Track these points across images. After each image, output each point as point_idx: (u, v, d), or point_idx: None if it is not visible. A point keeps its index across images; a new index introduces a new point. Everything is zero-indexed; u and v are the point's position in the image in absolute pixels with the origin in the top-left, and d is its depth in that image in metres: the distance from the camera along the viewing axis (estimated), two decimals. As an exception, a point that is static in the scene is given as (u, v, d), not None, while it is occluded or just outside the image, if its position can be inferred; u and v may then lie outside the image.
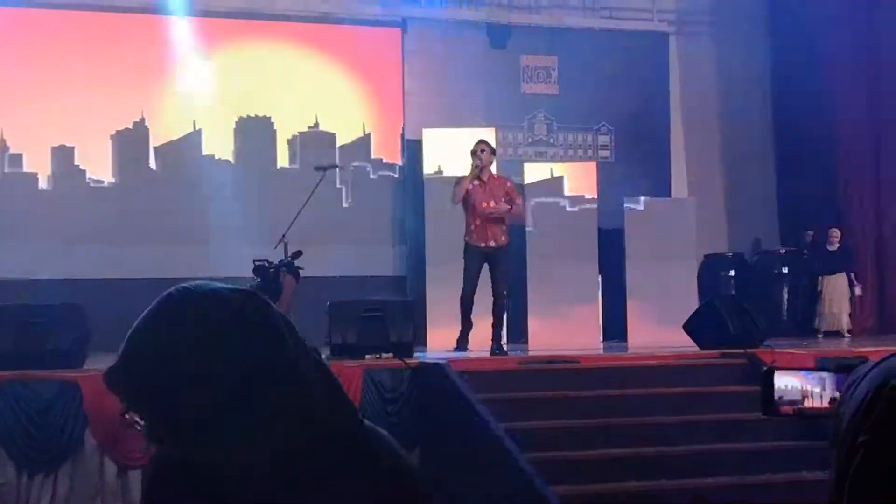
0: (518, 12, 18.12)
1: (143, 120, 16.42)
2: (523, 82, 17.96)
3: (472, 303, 13.29)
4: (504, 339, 13.58)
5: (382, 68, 17.40)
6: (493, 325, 13.31)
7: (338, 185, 16.81)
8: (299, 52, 17.10)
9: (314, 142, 17.02)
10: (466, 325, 13.41)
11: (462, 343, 13.44)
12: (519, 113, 17.88)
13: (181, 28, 16.50)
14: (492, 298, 13.30)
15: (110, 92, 16.19)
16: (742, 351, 12.53)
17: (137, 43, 16.33)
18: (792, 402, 2.61)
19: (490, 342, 13.17)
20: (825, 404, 2.58)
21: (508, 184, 13.59)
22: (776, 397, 2.60)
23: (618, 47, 18.06)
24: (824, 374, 2.61)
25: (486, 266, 13.32)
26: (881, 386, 1.99)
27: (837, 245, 17.67)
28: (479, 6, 17.90)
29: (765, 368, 2.68)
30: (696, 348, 13.26)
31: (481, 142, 13.52)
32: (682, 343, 13.57)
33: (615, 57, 17.97)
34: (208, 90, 16.60)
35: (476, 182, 13.25)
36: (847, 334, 17.37)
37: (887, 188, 18.17)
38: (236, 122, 16.83)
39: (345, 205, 16.95)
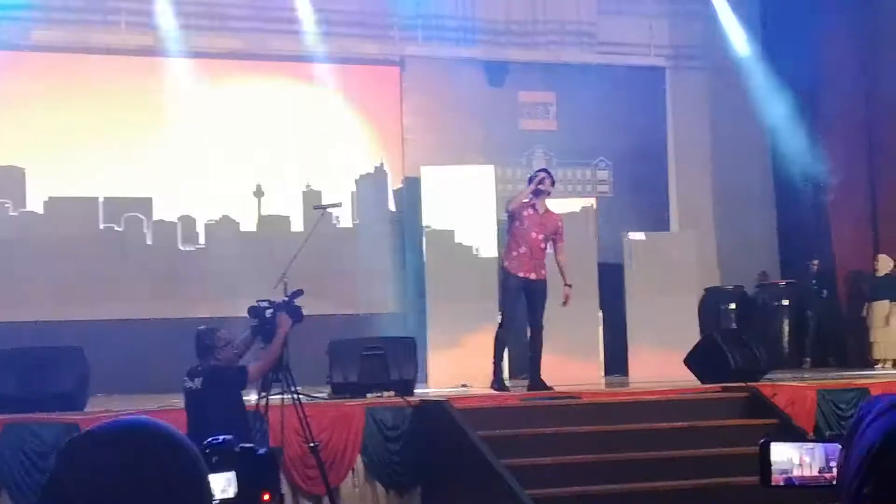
0: (515, 49, 18.17)
1: (138, 161, 16.43)
2: (521, 119, 18.01)
3: (507, 340, 12.98)
4: (506, 373, 13.53)
5: (381, 106, 17.45)
6: (531, 360, 13.10)
7: (337, 224, 16.81)
8: (297, 92, 17.14)
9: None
10: (500, 365, 13.00)
11: (500, 384, 12.94)
12: (517, 149, 17.91)
13: (176, 69, 16.55)
14: (512, 330, 13.14)
15: (107, 134, 16.22)
16: (743, 385, 12.54)
17: (133, 84, 16.35)
18: (783, 472, 2.65)
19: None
20: (814, 473, 2.62)
21: (560, 223, 13.23)
22: (772, 468, 2.65)
23: (615, 82, 18.11)
24: (815, 445, 2.65)
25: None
26: (892, 435, 1.98)
27: (887, 272, 17.62)
28: (477, 44, 17.96)
29: (761, 441, 2.72)
30: (697, 382, 13.26)
31: (544, 171, 13.31)
32: (684, 377, 13.57)
33: (613, 92, 18.01)
34: (204, 130, 16.62)
35: (531, 210, 13.00)
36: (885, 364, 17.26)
37: (884, 214, 18.19)
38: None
39: (344, 243, 16.94)
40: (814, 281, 18.06)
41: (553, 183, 13.32)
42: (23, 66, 16.20)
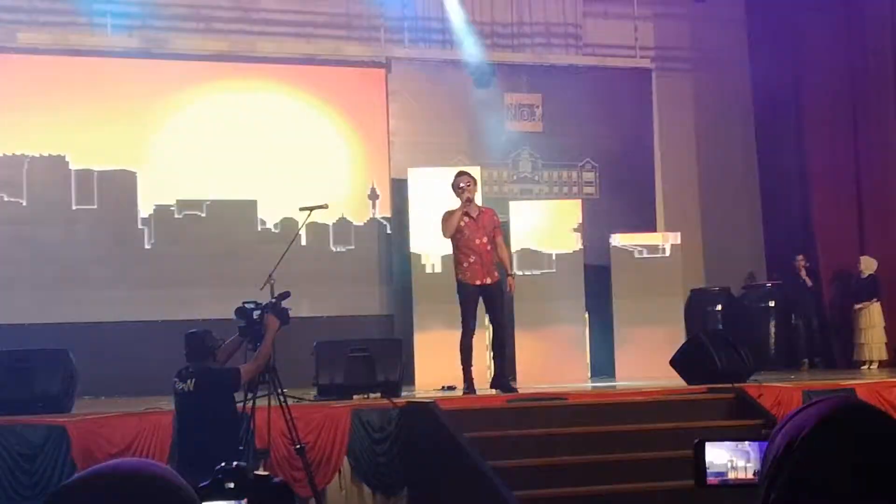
0: (502, 51, 18.19)
1: (128, 163, 16.41)
2: (508, 120, 18.02)
3: (472, 347, 12.97)
4: (488, 375, 13.54)
5: (367, 109, 17.44)
6: (495, 358, 13.15)
7: (323, 225, 16.80)
8: (283, 94, 17.13)
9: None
10: (470, 368, 13.01)
11: (470, 387, 12.96)
12: (503, 151, 17.92)
13: (161, 72, 16.56)
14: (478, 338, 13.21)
15: (96, 137, 16.20)
16: (730, 386, 12.56)
17: (119, 87, 16.35)
18: (718, 474, 2.67)
19: (486, 380, 13.11)
20: (749, 476, 2.63)
21: (495, 217, 13.29)
22: (707, 469, 2.67)
23: (601, 84, 18.14)
24: (750, 446, 2.66)
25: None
26: (792, 441, 2.01)
27: (871, 273, 17.66)
28: (463, 46, 17.96)
29: (696, 440, 2.74)
30: (683, 383, 13.27)
31: (463, 174, 13.22)
32: (671, 378, 13.60)
33: (599, 94, 18.04)
34: (189, 132, 16.62)
35: (466, 218, 13.02)
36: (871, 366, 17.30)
37: (870, 217, 18.23)
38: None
39: (331, 244, 16.95)
40: (804, 279, 18.01)
41: (475, 182, 13.30)
42: (8, 68, 16.17)
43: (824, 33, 18.18)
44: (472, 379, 12.99)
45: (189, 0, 16.88)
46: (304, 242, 16.12)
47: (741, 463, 2.66)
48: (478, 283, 12.97)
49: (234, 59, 17.07)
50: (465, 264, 13.02)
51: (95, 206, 16.26)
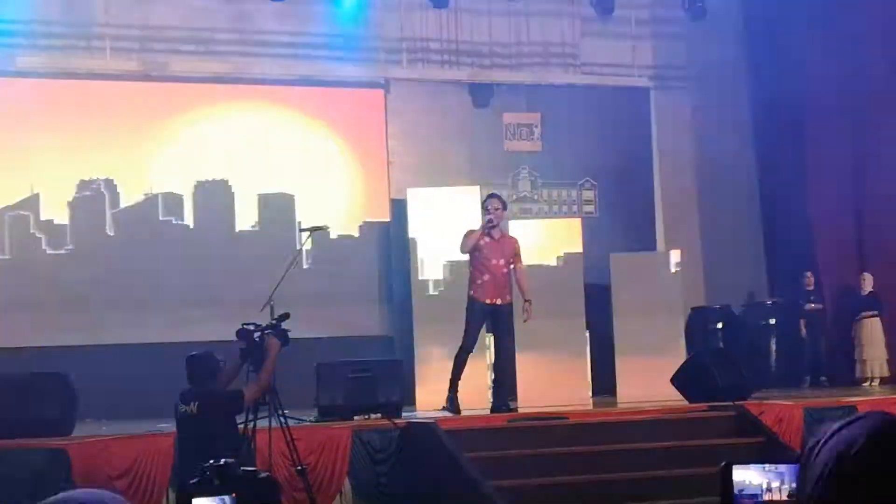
0: (500, 71, 18.22)
1: (121, 184, 16.43)
2: (506, 140, 18.04)
3: (466, 362, 13.01)
4: (489, 395, 13.54)
5: (365, 129, 17.46)
6: (495, 382, 13.20)
7: (323, 246, 16.80)
8: (282, 115, 17.16)
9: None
10: (457, 385, 13.01)
11: (454, 405, 12.92)
12: (503, 170, 17.94)
13: (159, 94, 16.60)
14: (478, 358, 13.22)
15: (89, 159, 16.23)
16: (730, 403, 12.55)
17: (117, 110, 16.37)
18: (752, 497, 2.65)
19: (487, 401, 13.10)
20: (783, 497, 2.62)
21: (517, 245, 13.37)
22: (736, 491, 2.65)
23: (599, 103, 18.16)
24: (783, 467, 2.65)
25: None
26: (844, 452, 2.02)
27: (870, 289, 17.66)
28: (461, 66, 18.01)
29: (722, 464, 2.73)
30: (684, 401, 13.26)
31: (494, 197, 13.40)
32: (672, 396, 13.58)
33: (597, 112, 18.06)
34: (187, 154, 16.64)
35: (488, 238, 13.11)
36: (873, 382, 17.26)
37: (870, 233, 18.24)
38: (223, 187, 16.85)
39: (331, 266, 16.93)
40: (811, 298, 17.96)
41: (505, 206, 13.50)
42: (7, 91, 16.19)
43: (823, 50, 18.18)
44: (457, 396, 12.98)
45: (187, 23, 16.89)
46: (304, 264, 16.13)
47: (775, 484, 2.65)
48: (488, 301, 13.05)
49: (232, 81, 17.11)
50: (479, 281, 13.12)
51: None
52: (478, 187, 15.96)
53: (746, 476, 2.65)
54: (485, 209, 13.22)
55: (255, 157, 16.86)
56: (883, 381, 17.29)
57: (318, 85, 17.36)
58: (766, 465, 2.66)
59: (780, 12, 18.31)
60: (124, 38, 16.62)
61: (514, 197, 17.98)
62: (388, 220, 17.28)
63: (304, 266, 16.21)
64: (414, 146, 17.50)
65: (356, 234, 17.27)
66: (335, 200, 17.17)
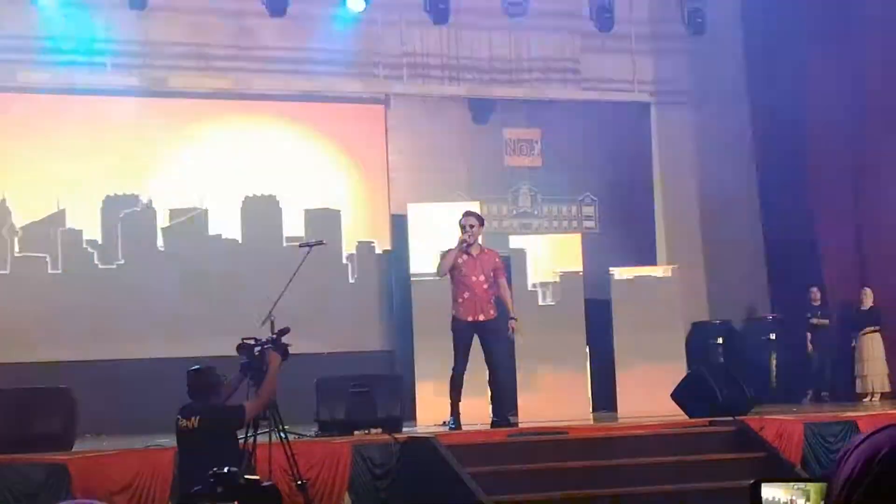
0: (500, 86, 18.24)
1: (123, 201, 16.46)
2: (507, 155, 18.06)
3: (462, 383, 12.98)
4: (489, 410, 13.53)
5: (366, 144, 17.48)
6: (492, 398, 13.18)
7: (323, 261, 16.80)
8: (282, 131, 17.18)
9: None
10: (458, 404, 12.98)
11: (457, 422, 12.89)
12: (503, 186, 17.96)
13: (160, 109, 16.61)
14: (479, 373, 13.20)
15: (90, 175, 16.26)
16: (731, 418, 12.55)
17: (118, 125, 16.37)
18: None
19: (488, 416, 13.08)
20: None
21: (497, 259, 13.42)
22: None
23: (600, 118, 18.16)
24: (810, 485, 2.66)
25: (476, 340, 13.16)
26: (871, 458, 2.04)
27: (871, 304, 17.67)
28: (461, 81, 18.04)
29: (752, 481, 2.73)
30: (685, 417, 13.26)
31: (469, 214, 13.33)
32: (672, 412, 13.57)
33: (597, 128, 18.07)
34: (189, 170, 16.67)
35: (465, 256, 13.13)
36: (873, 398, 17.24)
37: (870, 247, 18.25)
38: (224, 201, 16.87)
39: (331, 280, 16.92)
40: (818, 313, 17.93)
41: (482, 222, 13.42)
42: (8, 107, 16.21)
43: (823, 65, 18.21)
44: (459, 414, 12.97)
45: (188, 38, 16.91)
46: (303, 279, 16.11)
47: (801, 501, 2.66)
48: (470, 319, 13.06)
49: (233, 97, 17.14)
50: (460, 300, 13.13)
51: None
52: (478, 203, 15.98)
53: (773, 493, 2.65)
54: (461, 227, 13.19)
55: (255, 172, 16.87)
56: (884, 396, 17.28)
57: (318, 100, 17.38)
58: (795, 483, 2.67)
59: (781, 28, 18.33)
60: (125, 54, 16.62)
61: (515, 212, 18.01)
62: (388, 235, 17.28)
63: (304, 281, 16.19)
64: (414, 161, 17.52)
65: (356, 250, 17.27)
66: (335, 216, 17.17)
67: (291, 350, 9.95)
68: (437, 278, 13.63)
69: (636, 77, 18.77)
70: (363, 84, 17.67)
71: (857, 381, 17.58)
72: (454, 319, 13.16)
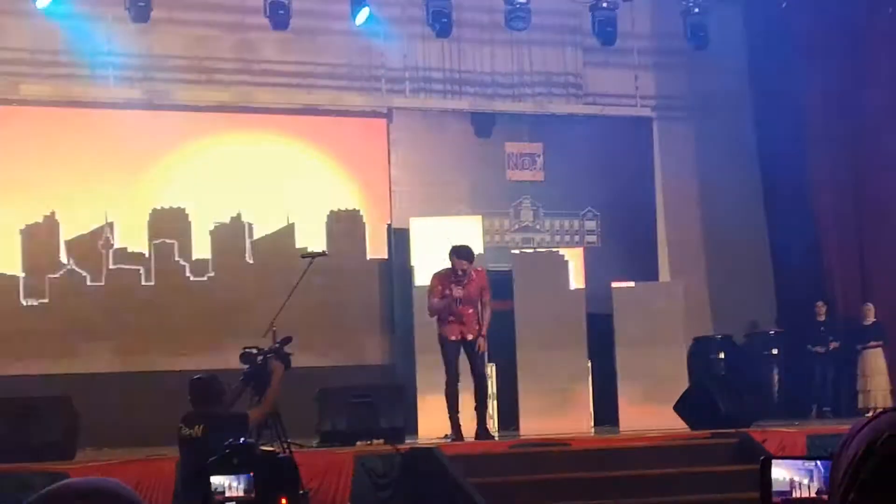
0: (502, 100, 18.26)
1: (126, 213, 16.48)
2: (508, 169, 18.06)
3: (457, 396, 13.12)
4: (494, 424, 13.54)
5: (368, 158, 17.48)
6: (476, 408, 13.21)
7: (324, 274, 16.79)
8: (285, 144, 17.19)
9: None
10: (456, 416, 13.12)
11: (458, 434, 13.05)
12: (505, 200, 17.95)
13: (163, 123, 16.62)
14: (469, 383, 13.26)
15: (94, 188, 16.27)
16: (733, 430, 12.53)
17: (120, 138, 16.37)
18: (781, 493, 2.66)
19: (474, 426, 13.10)
20: (812, 494, 2.63)
21: (483, 280, 13.55)
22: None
23: (602, 132, 18.15)
24: (814, 464, 2.65)
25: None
26: (873, 441, 2.05)
27: (873, 319, 17.65)
28: (464, 95, 18.07)
29: (762, 458, 2.73)
30: (687, 428, 13.24)
31: (460, 256, 13.32)
32: (674, 425, 13.55)
33: (600, 142, 18.05)
34: (191, 183, 16.69)
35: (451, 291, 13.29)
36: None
37: (872, 261, 18.25)
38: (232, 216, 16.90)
39: (331, 293, 16.90)
40: (823, 327, 17.91)
41: (471, 259, 13.43)
42: (11, 120, 16.23)
43: (825, 79, 18.24)
44: (460, 425, 13.07)
45: (191, 51, 16.94)
46: (305, 291, 16.10)
47: (804, 481, 2.66)
48: (453, 338, 13.29)
49: (236, 110, 17.14)
50: (444, 322, 13.35)
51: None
52: (480, 217, 15.99)
53: (779, 472, 2.66)
54: (452, 269, 13.30)
55: (257, 185, 16.88)
56: (886, 411, 17.20)
57: (320, 114, 17.39)
58: (802, 462, 2.67)
59: (782, 42, 18.37)
60: (128, 67, 16.65)
61: (517, 226, 18.00)
62: (390, 248, 17.28)
63: (305, 293, 16.18)
64: (416, 175, 17.52)
65: (359, 263, 17.26)
66: (337, 228, 17.18)
67: (293, 363, 9.96)
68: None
69: (638, 91, 18.79)
70: (365, 98, 17.69)
71: (860, 397, 17.55)
72: (440, 335, 13.40)
